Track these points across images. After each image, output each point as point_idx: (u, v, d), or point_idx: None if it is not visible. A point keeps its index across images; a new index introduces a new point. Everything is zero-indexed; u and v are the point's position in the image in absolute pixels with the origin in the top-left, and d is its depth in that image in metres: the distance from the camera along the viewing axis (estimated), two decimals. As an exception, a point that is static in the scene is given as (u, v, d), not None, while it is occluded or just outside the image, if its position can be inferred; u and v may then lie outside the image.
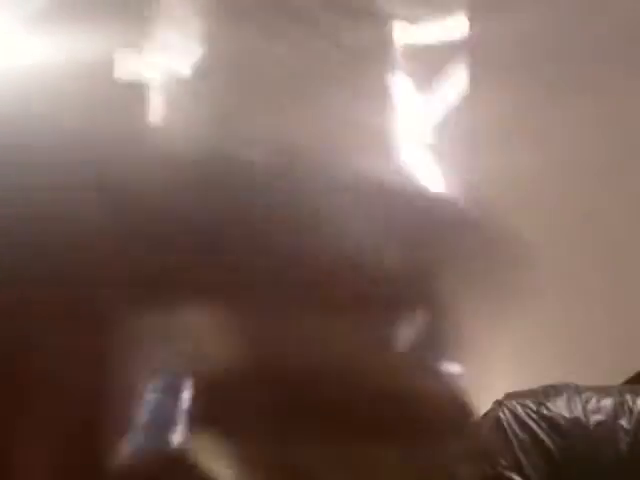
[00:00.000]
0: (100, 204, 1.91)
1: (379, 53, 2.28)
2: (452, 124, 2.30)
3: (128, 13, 2.14)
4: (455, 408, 1.96)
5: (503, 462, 1.67)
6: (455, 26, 2.43)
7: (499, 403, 1.83)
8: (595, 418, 1.63)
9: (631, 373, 2.31)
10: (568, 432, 1.62)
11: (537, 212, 2.48)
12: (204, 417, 1.72)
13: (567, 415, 1.65)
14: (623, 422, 1.66)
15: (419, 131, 2.25)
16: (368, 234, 1.91)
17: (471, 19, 2.44)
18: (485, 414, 1.93)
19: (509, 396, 1.84)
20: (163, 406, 1.68)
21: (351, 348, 1.82)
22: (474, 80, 2.42)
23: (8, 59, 3.01)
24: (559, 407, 1.67)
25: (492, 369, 3.25)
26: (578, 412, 1.64)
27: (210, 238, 1.81)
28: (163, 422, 1.69)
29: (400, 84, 2.29)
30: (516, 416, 1.72)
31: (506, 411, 1.76)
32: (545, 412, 1.68)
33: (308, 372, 1.78)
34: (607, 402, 1.67)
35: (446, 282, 2.12)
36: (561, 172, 2.49)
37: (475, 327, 2.30)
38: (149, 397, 1.69)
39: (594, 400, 1.67)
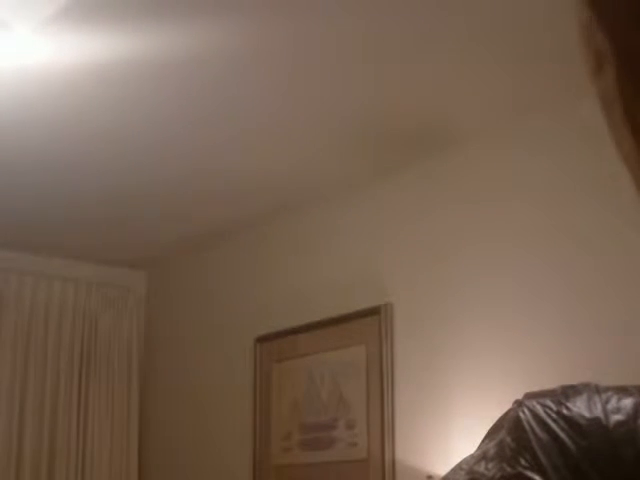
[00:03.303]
0: None
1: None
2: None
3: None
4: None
5: (523, 462, 1.67)
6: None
7: (519, 403, 1.83)
8: (615, 418, 1.62)
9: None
10: (588, 432, 1.62)
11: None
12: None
13: (587, 415, 1.65)
14: (643, 422, 1.66)
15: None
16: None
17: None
18: (505, 414, 1.93)
19: (529, 396, 1.83)
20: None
21: None
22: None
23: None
24: (579, 407, 1.67)
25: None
26: (598, 412, 1.63)
27: None
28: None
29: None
30: (536, 416, 1.72)
31: (526, 411, 1.76)
32: (565, 412, 1.67)
33: None
34: (627, 402, 1.66)
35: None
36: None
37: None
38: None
39: (614, 400, 1.66)
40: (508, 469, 1.70)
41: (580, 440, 1.62)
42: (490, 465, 1.74)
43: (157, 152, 3.92)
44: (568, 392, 1.73)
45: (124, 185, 4.26)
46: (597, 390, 1.71)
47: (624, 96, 0.43)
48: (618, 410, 1.64)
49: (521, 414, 1.78)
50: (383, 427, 3.89)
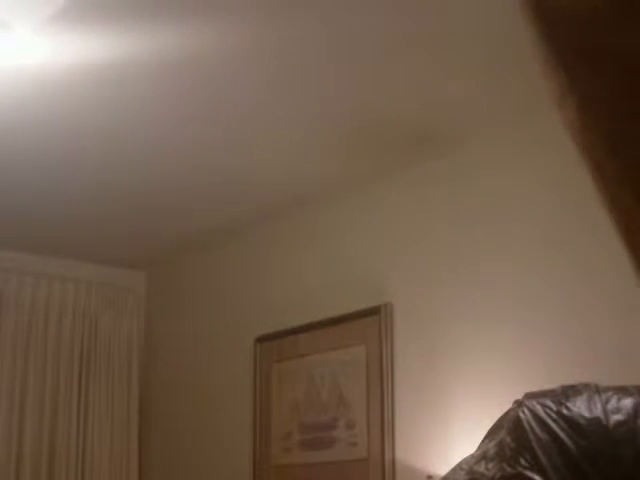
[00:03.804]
0: None
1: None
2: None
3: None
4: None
5: (523, 461, 1.67)
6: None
7: (519, 403, 1.83)
8: (615, 418, 1.62)
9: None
10: (588, 432, 1.62)
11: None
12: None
13: (587, 415, 1.64)
14: (644, 422, 1.65)
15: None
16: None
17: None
18: (505, 414, 1.93)
19: (529, 396, 1.83)
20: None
21: None
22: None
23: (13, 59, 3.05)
24: (579, 407, 1.66)
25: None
26: (598, 412, 1.63)
27: None
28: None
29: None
30: (536, 416, 1.71)
31: (526, 411, 1.76)
32: (565, 412, 1.67)
33: None
34: (627, 402, 1.66)
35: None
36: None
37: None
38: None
39: (614, 400, 1.66)
40: (508, 469, 1.70)
41: (580, 440, 1.61)
42: (490, 465, 1.74)
43: (153, 150, 3.92)
44: (568, 392, 1.72)
45: (122, 182, 4.26)
46: (597, 390, 1.71)
47: (584, 123, 0.44)
48: (618, 410, 1.63)
49: (521, 414, 1.78)
50: (383, 427, 3.88)
